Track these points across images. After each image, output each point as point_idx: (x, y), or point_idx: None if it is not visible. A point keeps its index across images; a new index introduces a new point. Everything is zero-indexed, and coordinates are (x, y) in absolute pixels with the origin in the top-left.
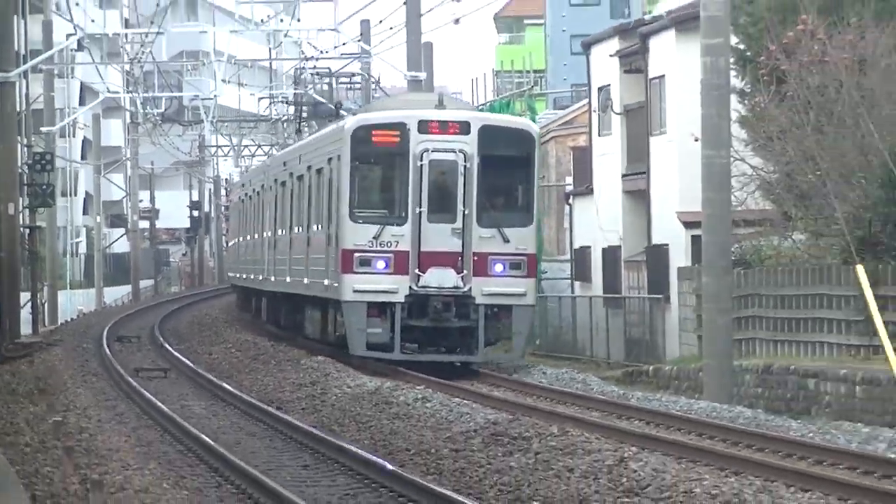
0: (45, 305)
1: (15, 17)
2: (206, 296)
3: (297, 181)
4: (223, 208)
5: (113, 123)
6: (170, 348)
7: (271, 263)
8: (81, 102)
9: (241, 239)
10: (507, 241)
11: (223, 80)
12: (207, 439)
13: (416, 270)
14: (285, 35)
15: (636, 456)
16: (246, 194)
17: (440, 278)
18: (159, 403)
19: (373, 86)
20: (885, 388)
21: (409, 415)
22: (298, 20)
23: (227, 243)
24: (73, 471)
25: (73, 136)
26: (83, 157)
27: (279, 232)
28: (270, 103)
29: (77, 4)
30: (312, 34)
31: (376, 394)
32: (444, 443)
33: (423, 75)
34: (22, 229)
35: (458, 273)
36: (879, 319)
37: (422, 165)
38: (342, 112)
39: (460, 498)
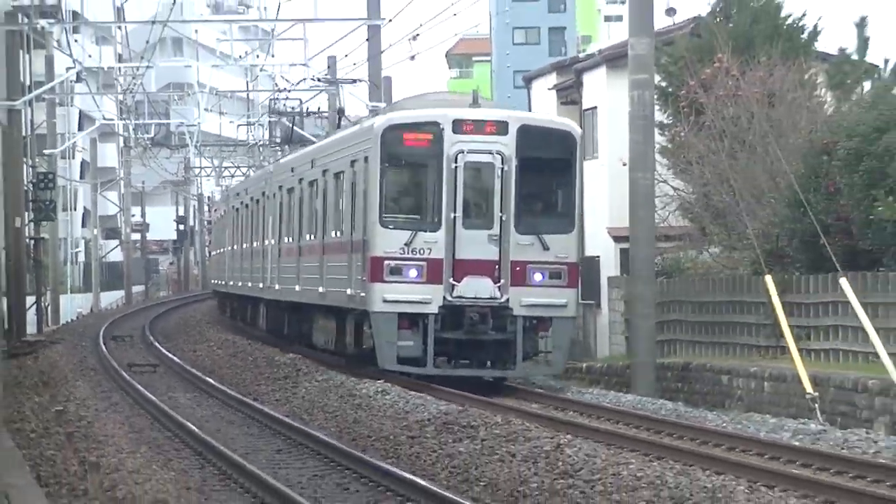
0: (48, 308)
1: (20, 52)
2: (191, 300)
3: (308, 186)
4: (206, 222)
5: (108, 147)
6: (159, 346)
7: (275, 271)
8: (80, 128)
9: (234, 247)
10: (546, 248)
11: (206, 109)
12: (192, 426)
13: (451, 280)
14: (261, 69)
15: (571, 443)
16: (242, 203)
17: (476, 288)
18: (149, 395)
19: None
20: (790, 383)
21: (371, 405)
22: (272, 56)
23: (209, 253)
24: (73, 454)
25: (73, 158)
26: (82, 177)
27: (285, 239)
28: (248, 129)
29: (76, 41)
30: (285, 68)
31: (341, 387)
32: (402, 430)
33: (383, 105)
34: (27, 240)
35: (496, 283)
36: (785, 323)
37: (456, 168)
38: (347, 117)
39: (419, 480)
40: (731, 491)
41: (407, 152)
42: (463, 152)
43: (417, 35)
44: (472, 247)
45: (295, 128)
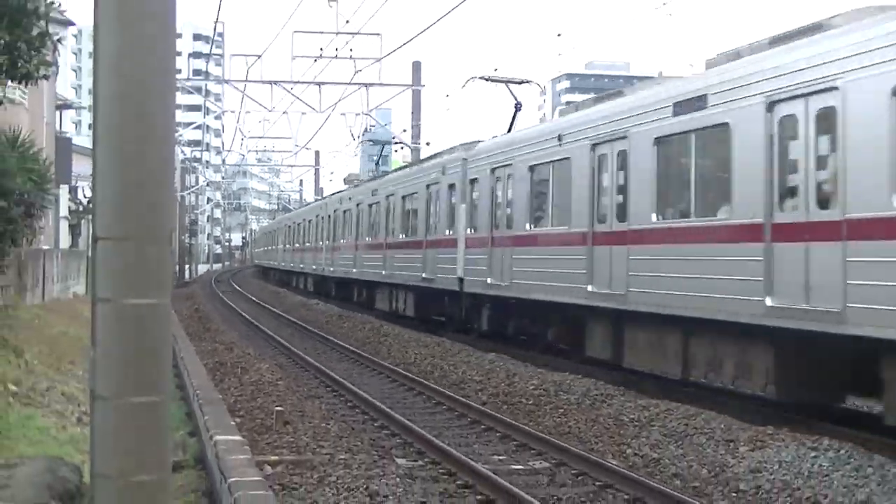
0: (194, 270)
1: (185, 174)
2: (246, 269)
3: (506, 180)
4: (252, 238)
5: (217, 210)
6: (234, 284)
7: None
8: (207, 202)
9: (344, 241)
10: None
11: (254, 197)
12: (244, 314)
13: None
14: (274, 183)
15: (386, 324)
16: (378, 199)
17: None
18: (228, 301)
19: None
20: None
21: (312, 309)
22: (278, 177)
23: (253, 250)
24: (200, 323)
25: (203, 215)
26: (207, 221)
27: (469, 231)
28: (269, 204)
29: (207, 169)
30: (285, 184)
31: (301, 302)
32: (323, 318)
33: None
34: (187, 244)
35: None
36: None
37: None
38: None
39: (325, 335)
40: None
41: None
42: None
43: (332, 172)
44: None
45: (287, 206)
